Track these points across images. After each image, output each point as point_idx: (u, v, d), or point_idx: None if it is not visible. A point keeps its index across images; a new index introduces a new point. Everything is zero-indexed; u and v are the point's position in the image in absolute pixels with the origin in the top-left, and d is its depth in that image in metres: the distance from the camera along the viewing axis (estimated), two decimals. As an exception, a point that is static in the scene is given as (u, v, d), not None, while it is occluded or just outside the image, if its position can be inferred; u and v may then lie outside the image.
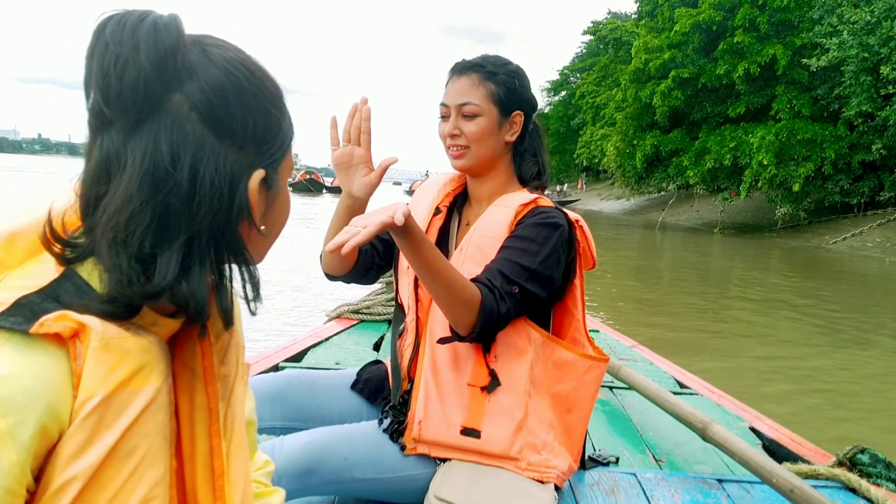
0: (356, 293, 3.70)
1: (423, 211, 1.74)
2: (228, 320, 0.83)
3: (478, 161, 1.65)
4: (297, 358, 3.09)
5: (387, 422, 1.65)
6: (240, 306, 0.93)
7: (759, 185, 23.24)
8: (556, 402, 1.62)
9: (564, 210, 1.64)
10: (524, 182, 1.71)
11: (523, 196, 1.63)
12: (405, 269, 1.71)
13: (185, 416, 0.83)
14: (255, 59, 0.79)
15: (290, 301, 7.83)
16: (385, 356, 3.02)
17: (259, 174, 0.78)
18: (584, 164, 47.65)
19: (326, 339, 3.43)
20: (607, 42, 40.57)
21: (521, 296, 1.50)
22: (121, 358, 0.70)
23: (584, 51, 59.20)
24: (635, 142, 28.66)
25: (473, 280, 1.48)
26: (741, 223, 26.63)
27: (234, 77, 0.75)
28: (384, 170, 1.64)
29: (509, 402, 1.55)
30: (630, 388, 2.73)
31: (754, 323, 8.63)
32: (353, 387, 1.88)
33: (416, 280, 1.66)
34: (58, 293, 0.71)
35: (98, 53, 0.70)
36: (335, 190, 56.28)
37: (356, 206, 1.66)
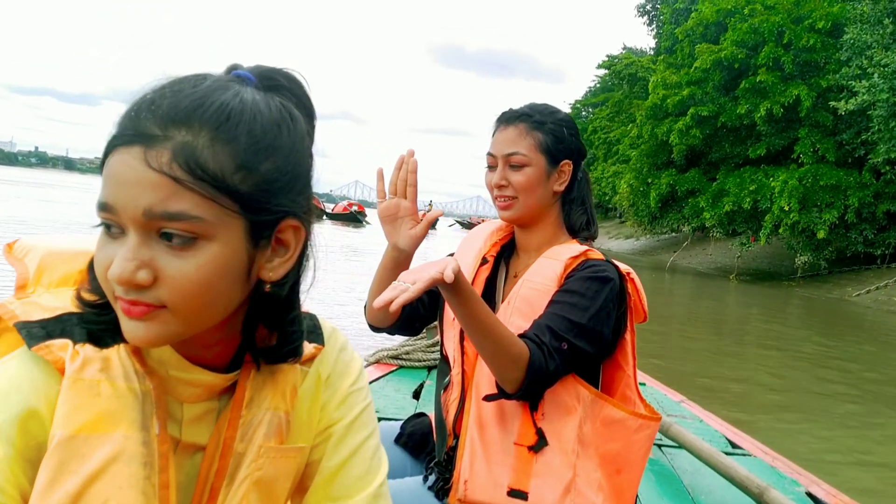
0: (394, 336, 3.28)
1: (470, 261, 1.75)
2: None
3: (526, 212, 1.66)
4: None
5: (432, 479, 1.66)
6: (347, 371, 0.97)
7: (780, 230, 22.78)
8: (605, 462, 1.59)
9: (615, 262, 1.62)
10: (573, 232, 1.71)
11: (573, 248, 1.63)
12: (451, 321, 1.71)
13: (198, 484, 0.83)
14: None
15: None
16: (424, 405, 3.17)
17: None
18: (595, 201, 47.11)
19: None
20: (622, 77, 40.53)
21: (570, 352, 1.49)
22: (87, 400, 0.71)
23: (598, 85, 59.29)
24: (650, 180, 28.28)
25: (521, 336, 1.48)
26: (757, 270, 26.12)
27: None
28: (430, 223, 1.66)
29: (557, 463, 1.53)
30: (680, 446, 2.69)
31: (790, 378, 8.28)
32: (397, 440, 1.88)
33: (462, 333, 1.66)
34: (88, 320, 0.75)
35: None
36: (336, 216, 56.65)
37: (402, 259, 1.67)
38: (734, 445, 3.12)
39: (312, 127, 0.83)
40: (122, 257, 0.70)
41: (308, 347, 0.91)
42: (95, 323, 0.76)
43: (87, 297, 0.78)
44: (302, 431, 0.92)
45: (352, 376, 0.98)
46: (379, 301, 1.27)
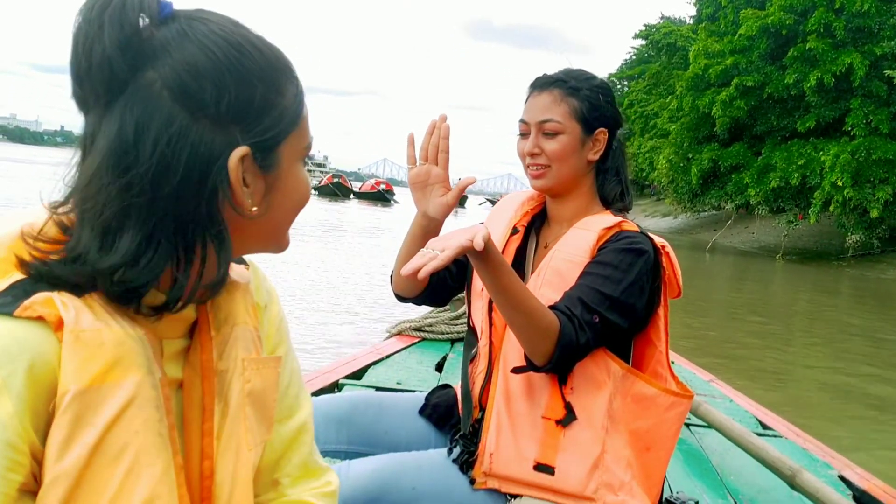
0: (417, 308, 3.18)
1: (500, 230, 1.75)
2: (213, 293, 0.85)
3: (558, 181, 1.67)
4: (358, 375, 3.15)
5: (456, 451, 1.66)
6: (274, 299, 1.02)
7: (831, 208, 21.96)
8: (634, 439, 1.59)
9: (650, 235, 1.61)
10: (607, 203, 1.71)
11: (606, 219, 1.62)
12: (479, 291, 1.73)
13: (185, 412, 0.86)
14: (245, 33, 0.80)
15: (347, 314, 7.90)
16: (447, 377, 3.23)
17: (239, 152, 0.78)
18: (630, 177, 46.54)
19: (387, 357, 3.48)
20: (660, 47, 39.52)
21: (601, 326, 1.49)
22: (94, 351, 0.72)
23: (634, 57, 58.17)
24: (690, 155, 27.49)
25: (552, 307, 1.48)
26: (804, 249, 25.36)
27: (210, 52, 0.76)
28: (462, 190, 1.64)
29: (585, 438, 1.54)
30: (709, 426, 2.71)
31: (837, 360, 8.24)
32: (422, 412, 1.89)
33: (490, 303, 1.67)
34: (54, 273, 0.73)
35: (74, 32, 0.74)
36: (363, 195, 56.88)
37: (431, 227, 1.68)
38: (765, 426, 3.10)
39: None
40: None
41: (240, 267, 0.95)
42: (72, 273, 0.74)
43: (46, 248, 0.76)
44: (267, 346, 0.99)
45: (278, 303, 1.04)
46: (407, 268, 1.27)
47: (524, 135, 1.69)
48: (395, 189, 65.65)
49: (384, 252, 14.96)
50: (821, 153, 22.31)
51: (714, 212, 34.34)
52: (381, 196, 55.90)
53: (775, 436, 2.98)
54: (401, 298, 1.86)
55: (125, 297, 0.76)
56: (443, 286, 1.84)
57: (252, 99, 0.79)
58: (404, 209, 48.28)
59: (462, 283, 1.86)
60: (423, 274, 1.26)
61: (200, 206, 0.77)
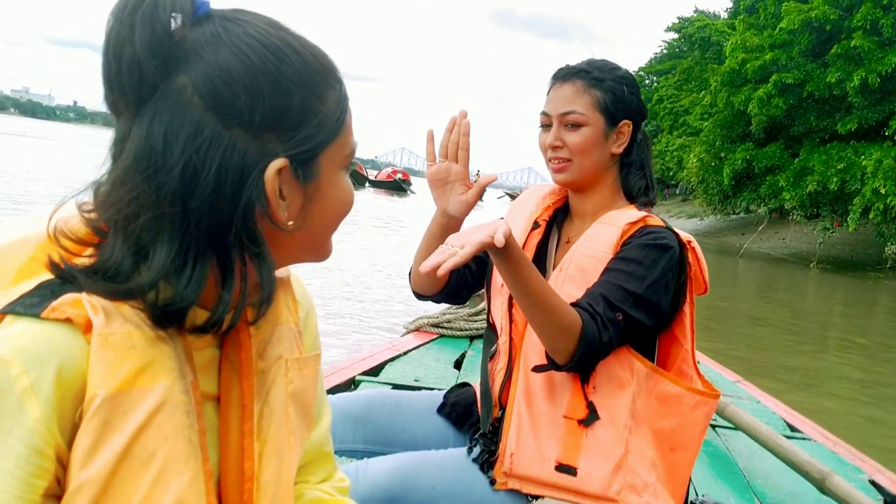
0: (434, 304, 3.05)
1: (521, 225, 1.75)
2: (259, 313, 0.83)
3: (581, 175, 1.67)
4: (375, 372, 3.18)
5: (476, 451, 1.67)
6: (312, 309, 1.03)
7: (871, 216, 21.17)
8: (658, 439, 1.59)
9: (675, 230, 1.62)
10: (631, 197, 1.71)
11: (630, 213, 1.62)
12: (499, 287, 1.73)
13: (223, 413, 0.85)
14: (284, 35, 0.79)
15: (364, 308, 7.91)
16: (466, 375, 3.28)
17: (277, 164, 0.77)
18: (656, 176, 46.17)
19: (405, 354, 3.50)
20: (693, 41, 38.82)
21: (625, 323, 1.49)
22: (123, 355, 0.72)
23: (665, 51, 57.47)
24: (723, 154, 26.70)
25: (574, 304, 1.48)
26: (839, 258, 24.63)
27: (245, 57, 0.75)
28: (482, 188, 1.68)
29: (608, 438, 1.54)
30: (736, 428, 2.71)
31: (871, 370, 8.15)
32: (440, 410, 1.89)
33: (510, 300, 1.67)
34: (76, 276, 0.73)
35: (105, 33, 0.73)
36: (379, 184, 56.68)
37: (451, 225, 1.69)
38: (793, 429, 3.11)
39: None
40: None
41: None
42: (105, 290, 0.73)
43: (75, 249, 0.76)
44: (306, 343, 0.98)
45: (315, 314, 1.04)
46: (426, 265, 1.28)
47: (546, 127, 1.69)
48: (412, 179, 65.69)
49: (399, 246, 14.82)
50: (862, 157, 21.54)
51: (742, 215, 33.67)
52: (397, 185, 55.73)
53: (804, 438, 2.98)
54: (420, 296, 1.87)
55: (167, 319, 0.74)
56: (462, 284, 1.84)
57: (289, 107, 0.77)
58: (420, 199, 48.08)
59: (482, 281, 1.86)
60: (442, 271, 1.26)
61: (236, 219, 0.75)
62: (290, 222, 0.80)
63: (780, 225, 30.60)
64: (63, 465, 0.70)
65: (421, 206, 36.03)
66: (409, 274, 1.85)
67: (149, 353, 0.73)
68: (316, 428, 1.03)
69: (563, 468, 1.53)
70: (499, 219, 1.65)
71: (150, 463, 0.71)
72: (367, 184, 58.39)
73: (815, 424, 3.22)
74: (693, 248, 1.64)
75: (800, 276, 21.21)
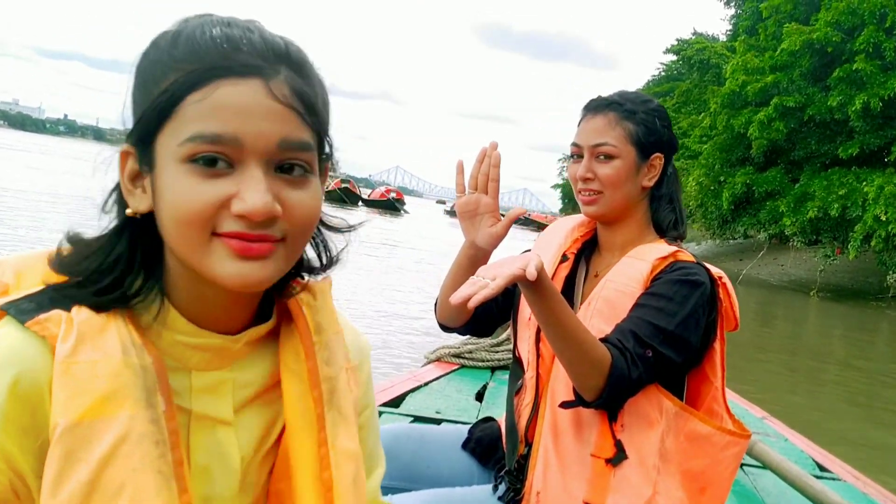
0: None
1: (549, 257, 1.75)
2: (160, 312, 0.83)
3: (611, 207, 1.68)
4: (396, 403, 3.20)
5: (502, 489, 1.68)
6: (366, 358, 1.04)
7: (872, 243, 20.88)
8: (687, 480, 1.58)
9: (706, 265, 1.62)
10: (660, 231, 1.72)
11: (661, 248, 1.63)
12: (526, 320, 1.74)
13: (290, 421, 0.87)
14: (166, 30, 0.80)
15: (384, 335, 7.93)
16: (488, 407, 3.32)
17: (122, 147, 0.81)
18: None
19: (426, 385, 3.52)
20: (692, 64, 38.74)
21: (654, 360, 1.49)
22: (84, 385, 0.72)
23: (662, 73, 57.53)
24: (722, 178, 26.47)
25: (603, 340, 1.48)
26: (838, 286, 24.32)
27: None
28: (512, 221, 1.66)
29: (636, 478, 1.53)
30: (764, 467, 2.66)
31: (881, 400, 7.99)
32: (465, 446, 1.90)
33: (537, 334, 1.68)
34: (69, 292, 0.78)
35: None
36: (372, 203, 56.59)
37: (479, 257, 1.69)
38: (822, 468, 3.08)
39: None
40: (257, 189, 0.75)
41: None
42: (97, 292, 0.78)
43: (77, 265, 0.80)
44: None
45: (369, 364, 1.05)
46: (456, 297, 1.28)
47: (577, 157, 1.70)
48: (406, 198, 65.75)
49: (394, 270, 14.67)
50: (864, 183, 21.30)
51: (739, 241, 33.41)
52: (390, 205, 55.65)
53: (833, 478, 2.93)
54: (445, 328, 1.87)
55: (113, 301, 0.78)
56: (489, 316, 1.84)
57: (136, 93, 0.80)
58: (413, 219, 47.89)
59: (508, 314, 1.86)
60: (473, 303, 1.26)
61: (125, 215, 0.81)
62: (138, 216, 0.80)
63: (779, 251, 30.32)
64: (19, 476, 0.71)
65: (414, 228, 35.71)
66: (435, 305, 1.86)
67: (112, 382, 0.73)
68: (370, 477, 1.02)
69: None
70: (525, 251, 1.64)
71: (119, 495, 0.70)
72: (359, 203, 58.33)
73: (844, 464, 3.16)
74: (724, 284, 1.62)
75: (800, 303, 20.93)
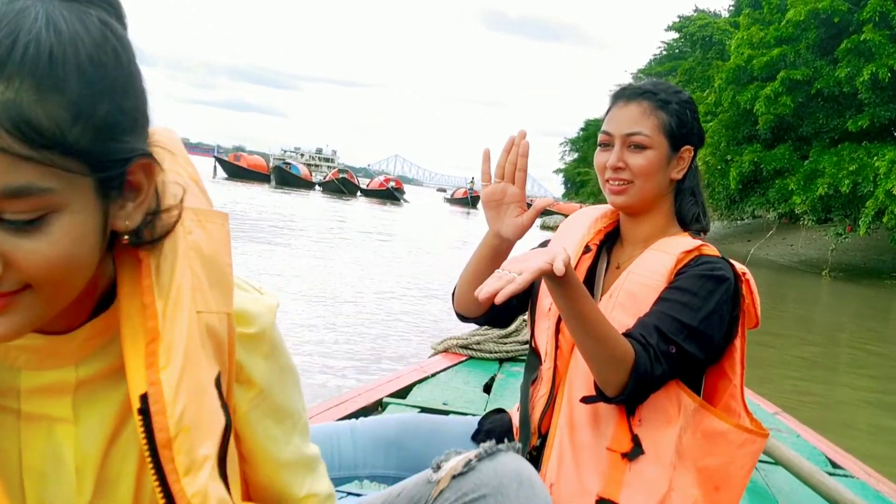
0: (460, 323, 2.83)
1: (571, 248, 1.75)
2: None
3: (640, 199, 1.68)
4: (402, 394, 3.19)
5: None
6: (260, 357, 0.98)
7: (885, 219, 20.63)
8: (703, 477, 1.59)
9: (731, 261, 1.63)
10: (684, 224, 1.73)
11: (685, 242, 1.64)
12: (545, 311, 1.74)
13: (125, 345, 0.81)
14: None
15: (388, 326, 7.79)
16: (496, 399, 3.28)
17: None
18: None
19: (433, 376, 3.52)
20: (695, 40, 38.46)
21: (678, 357, 1.50)
22: None
23: (664, 52, 57.13)
24: (729, 157, 26.23)
25: (626, 335, 1.49)
26: (850, 265, 24.12)
27: None
28: (538, 211, 1.68)
29: (652, 474, 1.54)
30: (776, 463, 2.67)
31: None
32: (475, 438, 1.90)
33: (556, 325, 1.69)
34: None
35: None
36: (371, 193, 56.51)
37: (503, 248, 1.70)
38: (835, 465, 3.08)
39: (126, 28, 0.75)
40: None
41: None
42: None
43: None
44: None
45: (269, 335, 0.98)
46: (484, 291, 1.29)
47: (605, 146, 1.70)
48: (406, 187, 65.60)
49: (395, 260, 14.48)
50: (875, 158, 21.04)
51: (748, 221, 33.25)
52: (389, 194, 55.55)
53: (846, 475, 2.93)
54: (463, 318, 1.88)
55: None
56: (507, 306, 1.77)
57: None
58: (413, 209, 47.64)
59: (526, 304, 1.86)
60: (500, 298, 1.27)
61: None
62: None
63: (788, 231, 30.11)
64: None
65: (414, 218, 35.47)
66: (453, 294, 1.87)
67: None
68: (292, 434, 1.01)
69: (603, 503, 1.52)
70: (540, 243, 1.69)
71: None
72: (358, 193, 58.18)
73: (858, 460, 3.15)
74: (748, 280, 1.64)
75: (811, 284, 20.73)
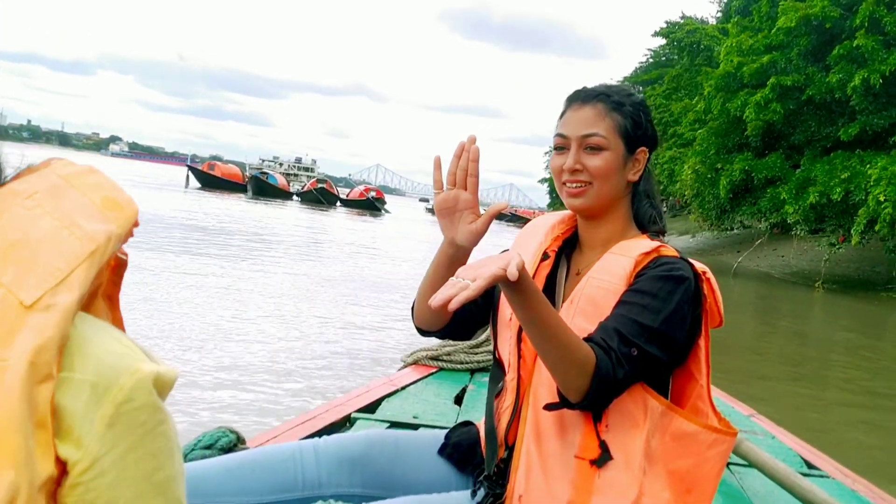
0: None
1: (529, 256, 1.78)
2: None
3: (598, 200, 1.70)
4: (371, 408, 3.19)
5: (481, 494, 1.70)
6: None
7: (877, 227, 20.48)
8: (673, 480, 1.61)
9: (690, 260, 1.66)
10: (642, 227, 1.76)
11: (643, 243, 1.66)
12: (507, 321, 1.76)
13: None
14: None
15: (358, 340, 7.86)
16: (468, 411, 3.31)
17: None
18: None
19: (402, 389, 3.52)
20: (682, 46, 38.57)
21: (640, 359, 1.52)
22: None
23: (650, 60, 57.44)
24: (719, 165, 26.16)
25: (587, 339, 1.51)
26: (843, 276, 24.03)
27: None
28: (492, 216, 1.71)
29: (621, 480, 1.55)
30: (751, 465, 2.72)
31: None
32: (441, 451, 1.91)
33: (519, 334, 1.71)
34: None
35: None
36: (351, 203, 56.44)
37: (458, 256, 1.73)
38: (810, 466, 3.13)
39: None
40: None
41: None
42: None
43: None
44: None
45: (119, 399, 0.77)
46: (435, 300, 1.29)
47: (560, 150, 1.71)
48: (387, 197, 65.53)
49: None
50: (867, 166, 20.97)
51: (737, 231, 33.18)
52: (370, 205, 55.44)
53: (822, 476, 2.99)
54: (423, 332, 1.90)
55: None
56: (468, 318, 1.85)
57: None
58: (394, 220, 47.46)
59: (487, 314, 1.88)
60: (453, 306, 1.27)
61: None
62: None
63: (779, 241, 30.05)
64: None
65: (395, 231, 35.20)
66: (412, 308, 1.89)
67: None
68: None
69: None
70: (503, 251, 1.64)
71: None
72: (337, 203, 57.94)
73: (833, 461, 3.20)
74: (708, 279, 1.65)
75: (804, 297, 20.65)
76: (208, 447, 2.13)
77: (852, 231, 21.18)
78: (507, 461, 1.68)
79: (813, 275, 23.85)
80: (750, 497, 2.68)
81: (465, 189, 1.70)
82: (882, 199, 19.62)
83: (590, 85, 1.76)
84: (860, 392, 8.57)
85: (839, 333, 14.29)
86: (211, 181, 57.64)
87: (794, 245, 28.62)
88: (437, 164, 1.72)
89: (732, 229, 32.46)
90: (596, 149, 1.65)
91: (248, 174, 62.86)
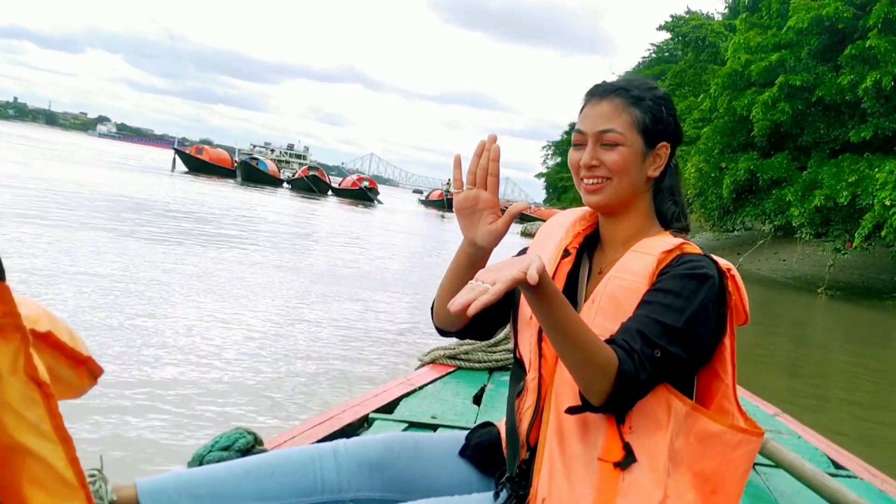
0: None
1: (550, 254, 1.78)
2: None
3: (616, 197, 1.70)
4: (389, 409, 3.20)
5: (503, 496, 1.71)
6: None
7: (883, 233, 20.43)
8: (699, 481, 1.61)
9: (714, 257, 1.65)
10: (664, 224, 1.75)
11: (666, 241, 1.66)
12: (527, 320, 1.77)
13: None
14: None
15: (374, 338, 7.87)
16: (486, 411, 3.32)
17: None
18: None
19: (420, 388, 3.54)
20: (687, 42, 38.40)
21: (663, 360, 1.52)
22: None
23: (654, 55, 57.34)
24: (724, 164, 26.07)
25: (608, 341, 1.52)
26: (848, 283, 23.94)
27: None
28: (513, 217, 1.72)
29: (646, 482, 1.55)
30: (777, 466, 2.70)
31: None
32: (462, 453, 1.94)
33: (539, 333, 1.71)
34: None
35: None
36: (343, 193, 56.20)
37: (479, 256, 1.74)
38: (838, 466, 3.11)
39: None
40: None
41: None
42: None
43: None
44: None
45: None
46: (456, 304, 1.31)
47: (578, 146, 1.72)
48: (380, 187, 65.35)
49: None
50: (875, 170, 20.89)
51: (739, 233, 33.09)
52: (362, 194, 55.20)
53: (850, 476, 2.98)
54: (443, 332, 1.91)
55: None
56: (487, 318, 1.84)
57: None
58: (387, 210, 47.30)
59: (507, 314, 1.87)
60: (472, 310, 1.29)
61: None
62: None
63: (781, 245, 29.92)
64: None
65: (388, 223, 35.07)
66: (432, 308, 1.90)
67: None
68: None
69: None
70: (521, 250, 1.76)
71: None
72: (329, 192, 57.70)
73: (861, 461, 3.19)
74: (733, 277, 1.64)
75: (807, 303, 20.53)
76: (226, 448, 2.12)
77: (856, 234, 21.13)
78: (530, 462, 1.67)
79: (815, 280, 23.75)
80: (776, 497, 2.68)
81: (486, 189, 1.71)
82: (888, 203, 19.58)
83: (597, 80, 1.78)
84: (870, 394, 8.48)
85: (838, 344, 14.25)
86: (199, 165, 57.14)
87: (797, 249, 28.49)
88: (458, 163, 1.74)
89: (734, 230, 32.38)
90: (612, 145, 1.66)
91: (237, 159, 62.49)
